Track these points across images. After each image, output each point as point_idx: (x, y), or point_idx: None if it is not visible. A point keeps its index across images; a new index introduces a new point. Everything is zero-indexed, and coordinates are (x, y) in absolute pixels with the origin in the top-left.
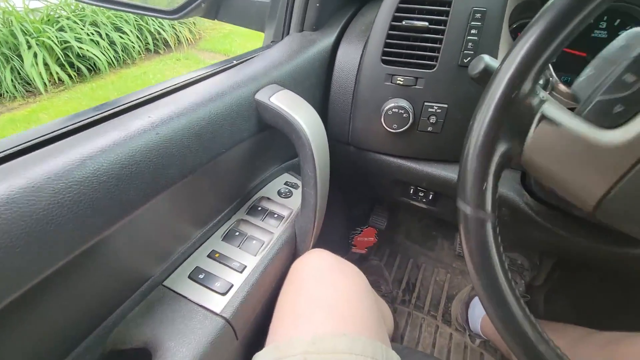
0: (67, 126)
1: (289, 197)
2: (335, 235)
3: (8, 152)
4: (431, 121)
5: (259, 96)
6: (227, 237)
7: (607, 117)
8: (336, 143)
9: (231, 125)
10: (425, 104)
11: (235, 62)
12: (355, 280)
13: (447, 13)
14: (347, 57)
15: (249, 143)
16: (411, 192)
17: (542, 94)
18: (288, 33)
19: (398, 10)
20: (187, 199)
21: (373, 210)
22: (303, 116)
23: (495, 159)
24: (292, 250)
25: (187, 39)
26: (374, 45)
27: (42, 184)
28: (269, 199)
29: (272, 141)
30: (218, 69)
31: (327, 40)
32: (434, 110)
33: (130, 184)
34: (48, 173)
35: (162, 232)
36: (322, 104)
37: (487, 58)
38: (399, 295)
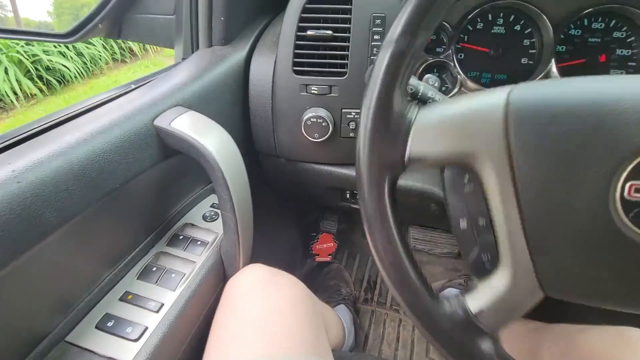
0: None
1: (215, 220)
2: (290, 244)
3: None
4: (351, 127)
5: (159, 122)
6: (143, 275)
7: None
8: (266, 156)
9: (124, 158)
10: (343, 110)
11: (133, 86)
12: (292, 292)
13: (348, 20)
14: (260, 70)
15: (161, 169)
16: (348, 196)
17: (413, 107)
18: (198, 48)
19: (301, 20)
20: (89, 237)
21: (323, 215)
22: (210, 138)
23: (384, 169)
24: (219, 277)
25: (153, 47)
26: (284, 57)
27: None
28: (193, 225)
29: (189, 164)
30: (112, 96)
31: (239, 54)
32: (352, 116)
33: None
34: None
35: (59, 279)
36: (244, 119)
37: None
38: (361, 295)
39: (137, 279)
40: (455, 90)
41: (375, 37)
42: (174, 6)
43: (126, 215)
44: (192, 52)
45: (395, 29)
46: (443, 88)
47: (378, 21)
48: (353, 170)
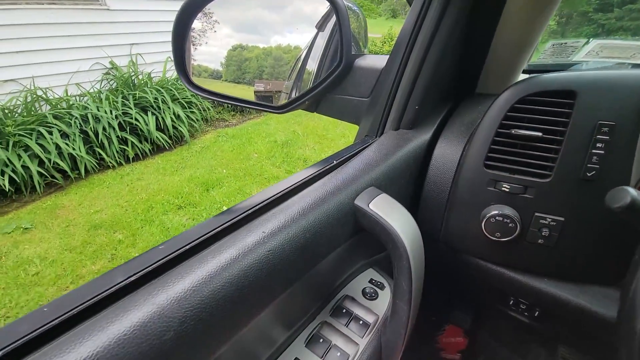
0: (195, 240)
1: (375, 299)
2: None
3: (133, 278)
4: (543, 234)
5: (359, 202)
6: (311, 343)
7: None
8: (425, 239)
9: (330, 232)
10: (536, 214)
11: (334, 161)
12: None
13: (564, 124)
14: (445, 156)
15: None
16: (511, 303)
17: None
18: (383, 130)
19: (506, 118)
20: (277, 306)
21: (454, 304)
22: (401, 226)
23: None
24: None
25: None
26: (477, 149)
27: (169, 310)
28: (353, 299)
29: (361, 240)
30: (319, 171)
31: (423, 137)
32: (547, 222)
33: (240, 304)
34: (174, 299)
35: (252, 342)
36: (413, 198)
37: (632, 191)
38: None
39: (305, 346)
40: None
41: (598, 145)
42: (370, 91)
43: (305, 284)
44: (377, 133)
45: None
46: None
47: (605, 129)
48: (530, 278)
